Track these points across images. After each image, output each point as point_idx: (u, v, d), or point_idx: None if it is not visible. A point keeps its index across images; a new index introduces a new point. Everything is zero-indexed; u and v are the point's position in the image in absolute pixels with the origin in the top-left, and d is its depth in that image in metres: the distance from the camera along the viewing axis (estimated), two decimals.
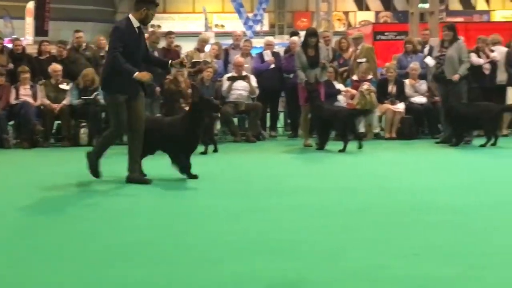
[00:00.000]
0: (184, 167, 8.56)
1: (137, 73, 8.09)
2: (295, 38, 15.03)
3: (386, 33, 24.11)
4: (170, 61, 8.89)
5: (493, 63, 14.15)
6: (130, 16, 8.37)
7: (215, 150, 11.64)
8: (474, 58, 13.97)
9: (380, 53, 17.89)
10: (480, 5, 45.39)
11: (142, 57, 8.53)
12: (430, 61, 13.08)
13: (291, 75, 13.49)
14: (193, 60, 13.90)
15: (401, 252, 5.06)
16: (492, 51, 14.29)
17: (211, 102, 9.01)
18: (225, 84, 13.82)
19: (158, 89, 13.07)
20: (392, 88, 13.96)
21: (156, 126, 8.83)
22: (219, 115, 10.89)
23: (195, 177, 8.54)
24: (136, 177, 8.40)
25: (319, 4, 31.92)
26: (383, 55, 17.69)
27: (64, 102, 13.14)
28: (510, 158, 10.98)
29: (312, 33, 12.59)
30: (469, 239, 5.44)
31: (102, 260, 4.96)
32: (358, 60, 14.41)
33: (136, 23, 8.31)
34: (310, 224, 6.10)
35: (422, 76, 14.05)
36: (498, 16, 43.34)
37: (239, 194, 7.72)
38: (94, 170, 8.46)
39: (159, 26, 32.21)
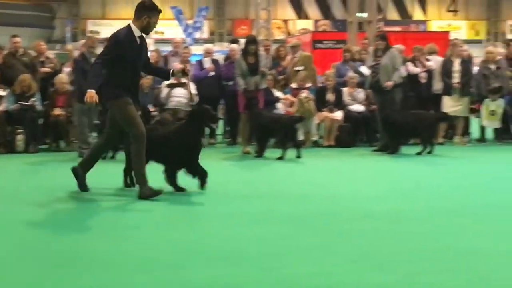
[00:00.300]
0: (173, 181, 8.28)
1: (89, 91, 7.62)
2: (234, 45, 15.07)
3: (325, 42, 24.23)
4: (172, 70, 8.55)
5: (429, 72, 14.37)
6: (131, 24, 7.99)
7: None
8: (410, 67, 14.21)
9: (319, 61, 18.00)
10: (417, 15, 46.17)
11: (143, 67, 8.29)
12: (365, 70, 13.22)
13: (231, 83, 13.51)
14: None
15: (337, 259, 5.10)
16: (428, 60, 14.53)
17: (209, 112, 8.64)
18: (164, 91, 13.75)
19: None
20: (330, 96, 14.08)
21: (153, 136, 8.23)
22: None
23: (182, 189, 8.25)
24: (83, 180, 8.20)
25: (258, 12, 31.96)
26: (322, 63, 17.79)
27: (0, 108, 12.93)
28: (446, 166, 11.14)
29: (252, 41, 12.65)
30: (405, 246, 5.50)
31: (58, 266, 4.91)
32: (296, 68, 14.49)
33: (137, 32, 7.94)
34: (246, 231, 6.10)
35: (359, 85, 14.20)
36: (434, 26, 44.16)
37: (176, 201, 7.70)
38: (152, 192, 7.83)
39: (97, 33, 31.92)
